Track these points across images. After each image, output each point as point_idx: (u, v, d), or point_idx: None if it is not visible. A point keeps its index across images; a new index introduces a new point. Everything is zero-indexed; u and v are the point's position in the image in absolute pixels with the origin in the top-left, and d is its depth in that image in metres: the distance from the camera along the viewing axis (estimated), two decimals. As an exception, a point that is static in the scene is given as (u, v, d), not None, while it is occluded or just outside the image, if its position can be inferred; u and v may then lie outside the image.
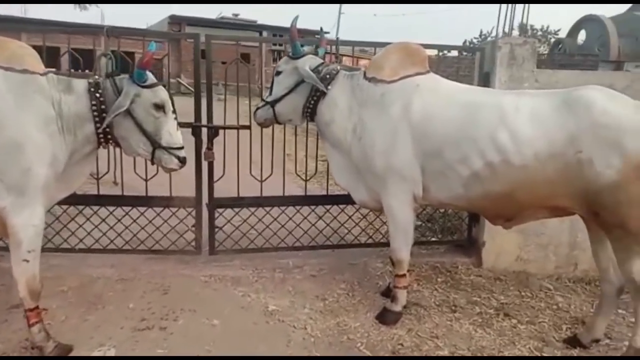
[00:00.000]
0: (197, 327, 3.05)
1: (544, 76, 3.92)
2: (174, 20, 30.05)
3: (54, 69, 3.81)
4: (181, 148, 2.84)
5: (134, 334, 2.95)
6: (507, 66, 3.86)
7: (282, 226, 4.03)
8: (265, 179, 3.94)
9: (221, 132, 3.77)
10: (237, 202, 3.91)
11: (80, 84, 2.71)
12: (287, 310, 3.30)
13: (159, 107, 2.75)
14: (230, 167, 3.92)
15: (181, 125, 3.69)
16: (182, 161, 2.84)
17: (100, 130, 2.68)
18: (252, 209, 3.98)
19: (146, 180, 3.73)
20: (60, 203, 3.49)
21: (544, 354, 2.93)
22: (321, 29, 3.44)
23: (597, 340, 2.99)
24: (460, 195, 2.94)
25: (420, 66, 3.11)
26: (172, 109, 2.83)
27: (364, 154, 3.11)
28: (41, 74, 2.60)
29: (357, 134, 3.15)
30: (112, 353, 2.74)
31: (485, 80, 3.99)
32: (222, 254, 3.93)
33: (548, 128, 2.65)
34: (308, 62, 3.22)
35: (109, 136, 2.75)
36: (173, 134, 2.81)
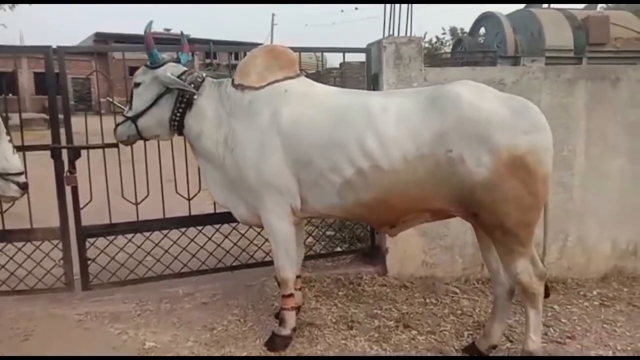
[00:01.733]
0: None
1: (433, 74, 3.80)
2: (100, 37, 29.01)
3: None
4: (20, 173, 2.56)
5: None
6: (394, 66, 3.70)
7: (166, 251, 3.68)
8: (141, 202, 3.58)
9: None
10: (110, 230, 3.51)
11: None
12: (167, 346, 2.98)
13: None
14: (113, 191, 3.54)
15: (39, 147, 3.36)
16: (23, 187, 2.57)
17: None
18: (129, 236, 3.60)
19: (1, 212, 3.29)
20: None
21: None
22: (182, 33, 3.15)
23: (494, 347, 2.85)
24: (336, 205, 2.72)
25: (289, 70, 2.89)
26: (5, 130, 2.53)
27: (237, 167, 2.85)
28: None
29: (229, 145, 2.88)
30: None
31: (374, 82, 3.83)
32: (99, 288, 3.52)
33: (415, 128, 2.48)
34: (169, 70, 2.92)
35: None
36: (9, 158, 2.53)
